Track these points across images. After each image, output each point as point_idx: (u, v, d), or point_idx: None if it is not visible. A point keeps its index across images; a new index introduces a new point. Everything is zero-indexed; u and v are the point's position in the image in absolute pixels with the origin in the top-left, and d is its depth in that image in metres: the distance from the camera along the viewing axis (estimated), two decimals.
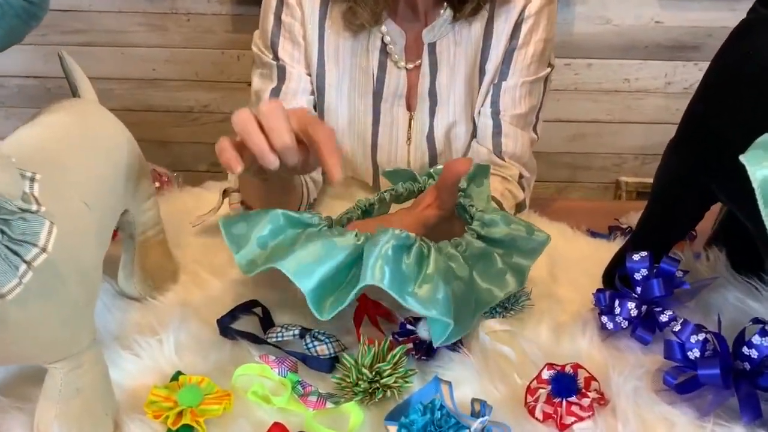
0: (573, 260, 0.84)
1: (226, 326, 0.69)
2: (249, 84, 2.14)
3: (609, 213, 1.03)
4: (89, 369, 0.54)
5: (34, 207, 0.47)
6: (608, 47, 2.01)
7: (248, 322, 0.71)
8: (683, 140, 0.68)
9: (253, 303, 0.73)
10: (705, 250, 0.82)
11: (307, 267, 0.60)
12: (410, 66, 0.96)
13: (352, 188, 1.05)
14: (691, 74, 1.99)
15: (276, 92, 0.96)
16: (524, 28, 0.94)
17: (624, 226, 0.97)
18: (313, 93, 0.98)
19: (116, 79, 2.07)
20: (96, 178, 0.62)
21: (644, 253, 0.69)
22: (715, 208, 0.77)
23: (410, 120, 0.99)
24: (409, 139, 1.00)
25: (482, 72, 0.96)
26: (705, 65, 0.67)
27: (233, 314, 0.71)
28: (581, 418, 0.57)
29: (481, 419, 0.54)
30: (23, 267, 0.45)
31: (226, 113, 2.14)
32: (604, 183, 2.20)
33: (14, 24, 0.69)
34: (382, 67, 0.96)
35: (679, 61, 1.99)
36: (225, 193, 0.90)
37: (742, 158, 0.45)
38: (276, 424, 0.55)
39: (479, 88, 0.98)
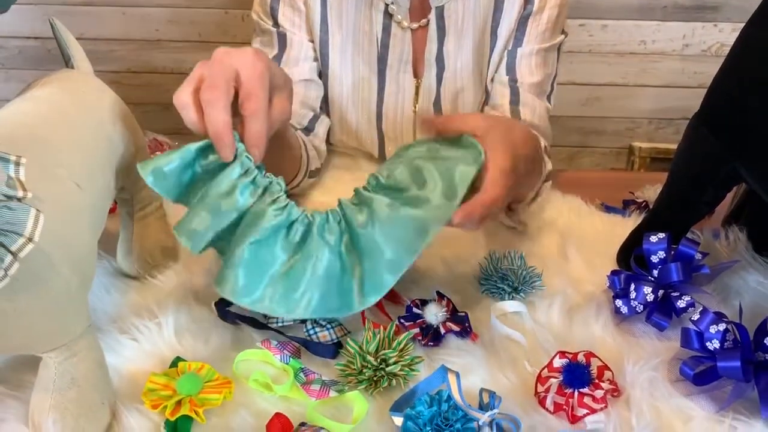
0: (586, 238, 0.81)
1: (225, 310, 0.67)
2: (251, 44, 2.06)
3: (623, 185, 0.99)
4: (84, 357, 0.52)
5: (19, 193, 0.44)
6: (624, 8, 1.93)
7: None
8: (709, 116, 0.64)
9: None
10: (723, 228, 0.79)
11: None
12: (415, 26, 0.92)
13: (358, 159, 1.02)
14: (710, 36, 1.91)
15: (277, 60, 0.92)
16: None
17: (640, 201, 0.93)
18: (316, 60, 0.94)
19: (118, 40, 2.02)
20: (89, 157, 0.59)
21: (662, 235, 0.66)
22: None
23: (417, 87, 0.95)
24: (415, 107, 0.96)
25: (494, 36, 0.92)
26: (725, 26, 0.62)
27: None
28: (593, 411, 0.55)
29: (489, 412, 0.52)
30: (8, 258, 0.43)
31: None
32: (616, 148, 2.15)
33: None
34: (386, 31, 0.92)
35: (698, 22, 1.91)
36: None
37: None
38: (277, 415, 0.53)
39: (489, 54, 0.93)
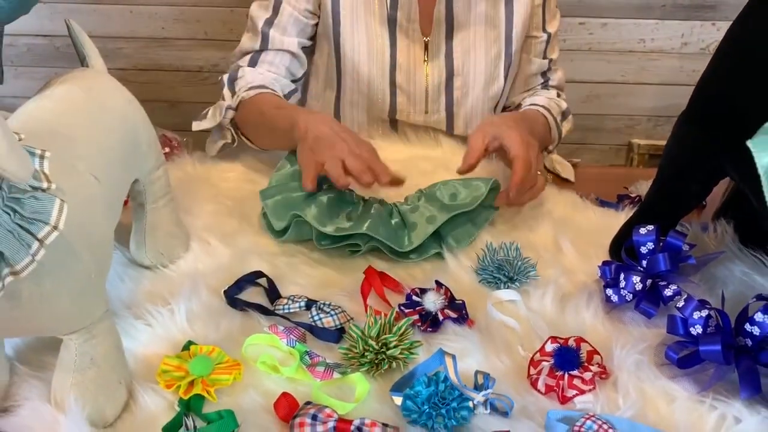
0: (580, 230, 0.84)
1: (233, 297, 0.70)
2: None
3: (619, 180, 1.02)
4: (103, 340, 0.56)
5: (44, 185, 0.48)
6: (624, 6, 1.96)
7: (256, 293, 0.72)
8: (696, 114, 0.67)
9: (258, 274, 0.74)
10: (713, 221, 0.82)
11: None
12: None
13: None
14: (708, 34, 1.94)
15: (269, 23, 1.03)
16: None
17: (633, 195, 0.97)
18: (305, 34, 1.05)
19: (125, 38, 2.05)
20: (105, 151, 0.62)
21: (651, 227, 0.69)
22: (725, 180, 0.77)
23: (426, 44, 1.05)
24: (426, 60, 1.05)
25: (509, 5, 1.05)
26: (723, 25, 0.66)
27: (239, 285, 0.72)
28: (582, 392, 0.58)
29: (483, 392, 0.56)
30: (36, 245, 0.46)
31: None
32: (616, 145, 2.17)
33: (14, 7, 0.68)
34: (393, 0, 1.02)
35: (696, 20, 1.94)
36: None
37: (749, 143, 0.45)
38: (284, 394, 0.56)
39: (506, 22, 1.06)
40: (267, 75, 1.03)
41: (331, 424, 0.53)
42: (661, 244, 0.69)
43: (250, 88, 0.98)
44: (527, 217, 0.88)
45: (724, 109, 0.63)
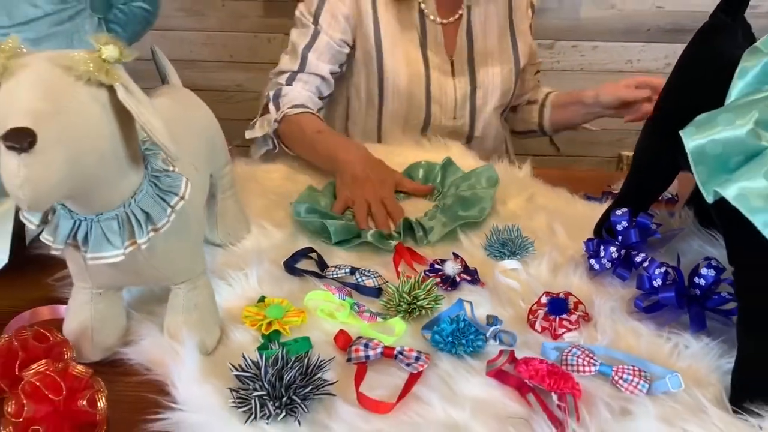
0: (570, 217, 1.02)
1: (292, 267, 0.87)
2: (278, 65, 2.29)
3: (604, 181, 1.20)
4: (203, 290, 0.73)
5: (170, 168, 0.66)
6: (613, 30, 2.16)
7: (308, 264, 0.89)
8: (658, 123, 0.85)
9: (310, 249, 0.91)
10: (679, 210, 1.00)
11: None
12: (444, 21, 1.29)
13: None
14: None
15: (308, 47, 1.24)
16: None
17: (615, 192, 1.14)
18: (337, 61, 1.26)
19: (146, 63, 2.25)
20: (196, 149, 0.80)
21: (625, 209, 0.87)
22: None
23: (452, 62, 1.30)
24: (453, 75, 1.31)
25: (512, 29, 1.34)
26: None
27: (294, 258, 0.89)
28: (569, 330, 0.75)
29: (493, 327, 0.73)
30: (169, 210, 0.64)
31: (257, 92, 2.29)
32: (607, 157, 2.36)
33: (137, 29, 0.86)
34: (422, 24, 1.27)
35: (678, 43, 2.13)
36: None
37: (680, 132, 0.63)
38: (341, 331, 0.74)
39: (511, 40, 1.35)
40: (303, 93, 1.22)
41: (379, 350, 0.70)
42: (633, 223, 0.86)
43: (293, 106, 1.18)
44: (526, 208, 1.05)
45: (678, 118, 0.80)
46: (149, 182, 0.63)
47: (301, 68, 1.24)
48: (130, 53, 0.56)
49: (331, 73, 1.27)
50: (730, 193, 0.57)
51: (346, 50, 1.27)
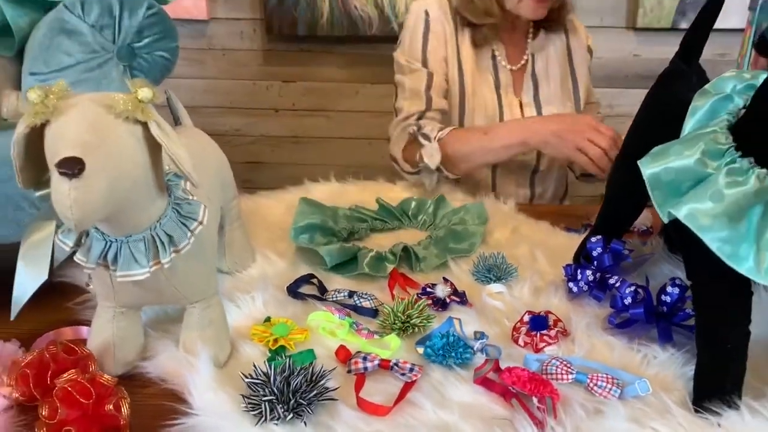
0: (551, 247, 1.10)
1: (295, 291, 0.95)
2: (275, 110, 2.42)
3: (584, 216, 1.29)
4: (216, 308, 0.80)
5: (190, 197, 0.74)
6: (594, 77, 2.28)
7: (310, 289, 0.97)
8: (625, 157, 0.94)
9: (311, 275, 0.99)
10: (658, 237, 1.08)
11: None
12: (513, 67, 1.47)
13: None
14: None
15: (428, 89, 1.40)
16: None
17: (593, 224, 1.22)
18: (445, 97, 1.43)
19: (161, 107, 2.35)
20: (210, 181, 0.88)
21: (599, 237, 0.95)
22: None
23: (520, 103, 1.47)
24: (521, 111, 1.47)
25: (573, 73, 1.50)
26: None
27: (297, 283, 0.97)
28: (549, 344, 0.82)
29: (480, 341, 0.80)
30: (189, 233, 0.72)
31: (255, 136, 2.41)
32: (590, 196, 2.46)
33: (157, 76, 0.95)
34: (495, 68, 1.46)
35: None
36: None
37: (638, 162, 0.71)
38: (342, 346, 0.81)
39: (572, 84, 1.51)
40: (436, 124, 1.38)
41: (376, 362, 0.77)
42: (607, 248, 0.95)
43: (439, 130, 1.34)
44: (511, 239, 1.14)
45: (643, 153, 0.88)
46: (172, 209, 0.71)
47: (428, 107, 1.40)
48: (160, 95, 0.64)
49: (445, 111, 1.44)
50: (682, 213, 0.65)
51: (447, 86, 1.44)
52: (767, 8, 0.58)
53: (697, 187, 0.66)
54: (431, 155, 1.29)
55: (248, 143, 2.39)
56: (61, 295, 0.93)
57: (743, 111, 0.69)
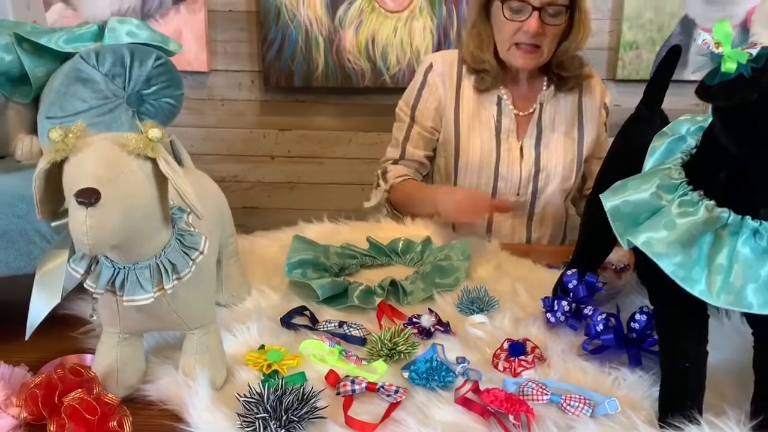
0: (532, 282, 1.16)
1: (288, 322, 1.00)
2: (272, 157, 2.51)
3: (566, 255, 1.35)
4: (213, 335, 0.86)
5: (192, 229, 0.80)
6: None
7: (302, 320, 1.02)
8: (595, 197, 1.01)
9: (303, 308, 1.05)
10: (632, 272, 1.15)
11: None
12: (521, 113, 1.52)
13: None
14: None
15: (405, 140, 1.56)
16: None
17: None
18: (430, 147, 1.57)
19: None
20: (210, 218, 0.94)
21: (574, 270, 1.01)
22: None
23: (521, 147, 1.52)
24: (521, 158, 1.52)
25: (581, 129, 1.55)
26: None
27: (290, 315, 1.02)
28: (527, 368, 0.88)
29: (461, 365, 0.86)
30: (191, 262, 0.78)
31: (251, 182, 2.49)
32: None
33: (163, 121, 1.03)
34: (499, 113, 1.52)
35: None
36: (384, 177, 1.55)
37: (600, 195, 0.78)
38: (331, 371, 0.86)
39: (578, 137, 1.55)
40: (405, 170, 1.53)
41: (363, 385, 0.82)
42: (582, 281, 1.01)
43: (398, 177, 1.51)
44: (494, 274, 1.20)
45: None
46: (176, 239, 0.77)
47: (402, 156, 1.56)
48: (168, 135, 0.71)
49: (426, 157, 1.57)
50: (639, 240, 0.72)
51: (437, 136, 1.55)
52: (704, 53, 0.66)
53: (653, 217, 0.73)
54: (377, 195, 1.53)
55: (245, 189, 2.47)
56: (66, 326, 0.98)
57: (695, 150, 0.77)
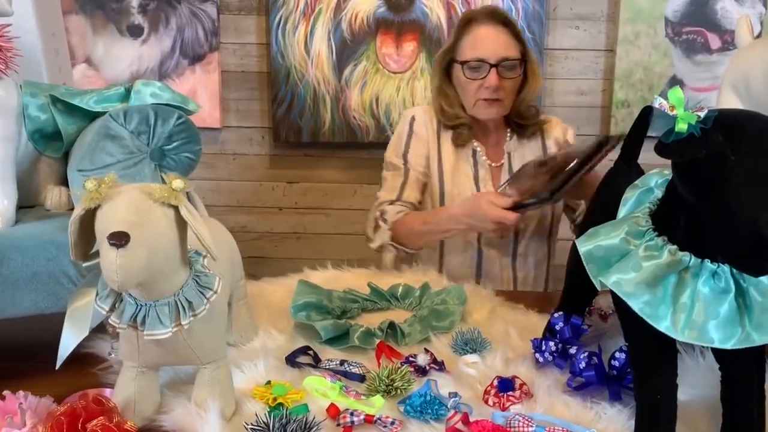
0: (524, 325, 1.23)
1: (293, 360, 1.07)
2: (279, 209, 2.59)
3: (556, 299, 1.42)
4: (224, 369, 0.93)
5: (207, 270, 0.89)
6: None
7: (306, 359, 1.09)
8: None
9: (307, 348, 1.12)
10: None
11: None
12: (494, 164, 1.65)
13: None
14: None
15: (403, 184, 1.65)
16: None
17: None
18: (419, 189, 1.66)
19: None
20: (222, 262, 1.03)
21: (561, 313, 1.09)
22: None
23: (496, 189, 1.62)
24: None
25: None
26: None
27: (294, 354, 1.09)
28: (514, 403, 0.94)
29: (453, 399, 0.92)
30: (205, 300, 0.86)
31: (260, 232, 2.58)
32: None
33: (183, 173, 1.12)
34: (475, 165, 1.65)
35: None
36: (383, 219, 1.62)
37: (576, 240, 0.87)
38: (332, 404, 0.92)
39: None
40: (401, 207, 1.61)
41: (362, 417, 0.89)
42: (568, 323, 1.08)
43: (397, 213, 1.60)
44: (487, 318, 1.27)
45: None
46: (193, 279, 0.86)
47: (398, 198, 1.64)
48: (189, 186, 0.81)
49: (419, 202, 1.66)
50: (610, 281, 0.80)
51: (426, 179, 1.66)
52: (663, 115, 0.75)
53: (622, 260, 0.80)
54: (382, 236, 1.59)
55: (253, 239, 2.56)
56: (86, 363, 1.06)
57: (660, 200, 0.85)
